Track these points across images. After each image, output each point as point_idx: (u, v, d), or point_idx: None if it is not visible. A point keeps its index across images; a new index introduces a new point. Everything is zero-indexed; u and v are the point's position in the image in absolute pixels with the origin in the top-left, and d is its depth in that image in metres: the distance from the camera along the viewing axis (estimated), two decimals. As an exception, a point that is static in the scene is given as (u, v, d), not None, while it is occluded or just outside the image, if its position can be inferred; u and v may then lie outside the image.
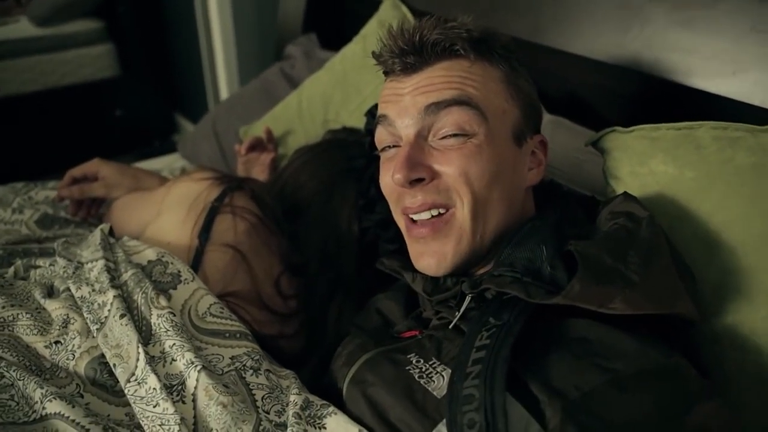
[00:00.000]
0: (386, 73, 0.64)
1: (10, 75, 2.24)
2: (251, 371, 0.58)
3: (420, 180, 0.57)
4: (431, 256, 0.59)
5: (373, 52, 0.63)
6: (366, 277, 0.83)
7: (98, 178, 1.00)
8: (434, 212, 0.58)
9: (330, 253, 0.84)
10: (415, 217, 0.60)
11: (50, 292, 0.69)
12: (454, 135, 0.57)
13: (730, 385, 0.57)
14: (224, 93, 2.15)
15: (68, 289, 0.68)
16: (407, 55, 0.59)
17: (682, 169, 0.63)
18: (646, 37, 0.84)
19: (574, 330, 0.50)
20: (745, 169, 0.59)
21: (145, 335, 0.60)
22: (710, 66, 0.78)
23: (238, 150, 1.11)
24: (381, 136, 0.63)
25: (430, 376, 0.52)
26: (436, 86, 0.58)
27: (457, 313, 0.56)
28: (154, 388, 0.54)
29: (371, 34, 1.13)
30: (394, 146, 0.62)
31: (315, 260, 0.83)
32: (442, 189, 0.57)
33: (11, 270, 0.76)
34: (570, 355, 0.47)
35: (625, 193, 0.60)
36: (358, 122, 1.03)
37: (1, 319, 0.63)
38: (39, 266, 0.76)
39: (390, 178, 0.59)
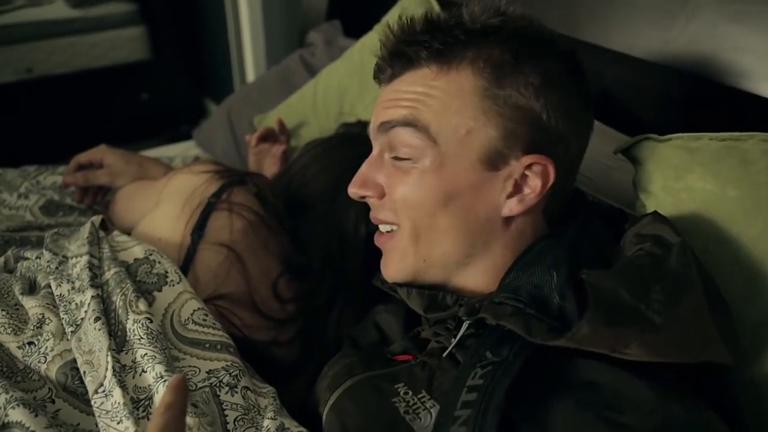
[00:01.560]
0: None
1: (43, 56, 2.26)
2: (227, 388, 0.54)
3: (369, 196, 0.58)
4: (383, 266, 0.60)
5: (375, 55, 0.59)
6: (370, 283, 0.78)
7: (103, 165, 0.98)
8: (387, 228, 0.59)
9: (334, 254, 0.79)
10: (380, 227, 0.61)
11: (32, 287, 0.67)
12: (401, 158, 0.55)
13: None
14: (251, 78, 2.13)
15: (49, 285, 0.65)
16: (384, 66, 0.57)
17: (725, 187, 0.55)
18: (691, 32, 0.76)
19: (583, 373, 0.43)
20: (800, 190, 0.51)
21: (119, 341, 0.57)
22: (765, 67, 0.69)
23: (249, 140, 1.07)
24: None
25: (416, 412, 0.47)
26: (393, 102, 0.55)
27: (453, 340, 0.50)
28: (119, 403, 0.50)
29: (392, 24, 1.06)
30: None
31: (317, 261, 0.79)
32: (387, 208, 0.57)
33: (2, 260, 0.74)
34: (575, 404, 0.40)
35: (656, 213, 0.53)
36: (374, 116, 0.97)
37: (-23, 315, 0.60)
38: (27, 258, 0.73)
39: None
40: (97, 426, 0.54)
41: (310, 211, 0.83)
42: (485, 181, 0.53)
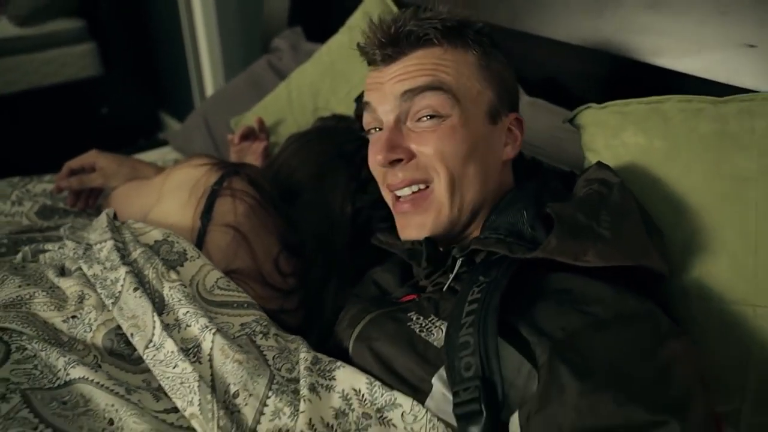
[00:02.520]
0: (369, 63, 0.69)
1: (-7, 75, 2.23)
2: (261, 335, 0.63)
3: (399, 160, 0.63)
4: (413, 227, 0.65)
5: (358, 44, 0.69)
6: (360, 256, 0.88)
7: (95, 168, 1.02)
8: (414, 188, 0.64)
9: (324, 234, 0.88)
10: (398, 193, 0.66)
11: (62, 272, 0.73)
12: (430, 117, 0.62)
13: (698, 330, 0.63)
14: (210, 90, 2.17)
15: (80, 268, 0.71)
16: (386, 47, 0.64)
17: (652, 140, 0.69)
18: (617, 20, 0.90)
19: (557, 283, 0.55)
20: (708, 137, 0.65)
21: (159, 306, 0.64)
22: (677, 46, 0.84)
23: (231, 139, 1.15)
24: (366, 120, 0.69)
25: (429, 330, 0.57)
26: (411, 74, 0.63)
27: (450, 275, 0.61)
28: (172, 351, 0.58)
29: (357, 26, 1.17)
30: (378, 129, 0.67)
31: (310, 241, 0.87)
32: (420, 167, 0.63)
33: (19, 256, 0.79)
34: (554, 303, 0.52)
35: (599, 162, 0.66)
36: (348, 109, 1.07)
37: (19, 297, 0.66)
38: (47, 250, 0.79)
39: (374, 159, 0.65)
40: (143, 382, 0.61)
41: (298, 197, 0.91)
42: (491, 133, 0.65)
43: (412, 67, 0.63)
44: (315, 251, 0.87)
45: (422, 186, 0.64)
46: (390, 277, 0.74)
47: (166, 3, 2.24)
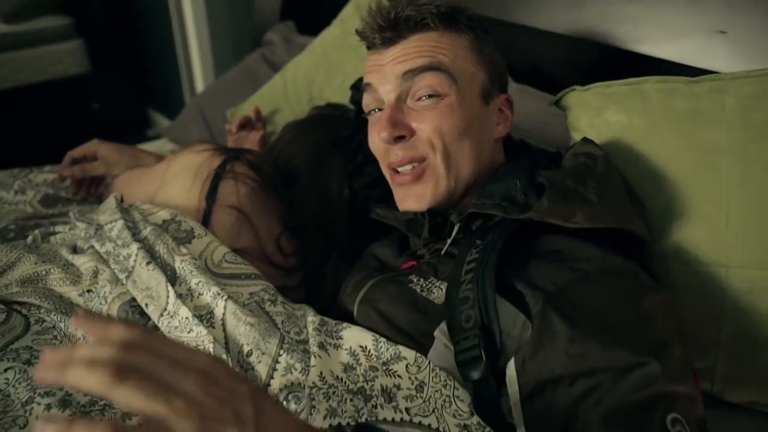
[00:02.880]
0: (368, 48, 0.73)
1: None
2: (269, 302, 0.66)
3: (401, 137, 0.67)
4: (412, 198, 0.68)
5: (357, 30, 0.72)
6: (358, 235, 0.92)
7: (97, 157, 1.05)
8: (410, 166, 0.68)
9: (323, 216, 0.92)
10: (399, 168, 0.69)
11: (75, 251, 0.75)
12: (429, 96, 0.66)
13: (676, 291, 0.68)
14: (200, 86, 2.19)
15: (92, 246, 0.74)
16: (385, 30, 0.68)
17: (632, 117, 0.74)
18: (599, 10, 0.95)
19: (548, 244, 0.59)
20: (682, 113, 0.70)
21: (171, 278, 0.67)
22: (655, 34, 0.89)
23: (229, 129, 1.18)
24: (367, 101, 0.72)
25: (429, 289, 0.61)
26: (411, 56, 0.67)
27: (448, 240, 0.65)
28: (186, 318, 0.61)
29: (349, 18, 1.21)
30: (378, 109, 0.71)
31: (310, 223, 0.91)
32: (418, 145, 0.67)
33: (29, 238, 0.82)
34: (546, 262, 0.57)
35: (584, 138, 0.71)
36: (341, 98, 1.11)
37: (35, 274, 0.69)
38: (58, 232, 0.82)
39: (377, 137, 0.68)
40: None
41: (297, 181, 0.95)
42: (484, 112, 0.69)
43: (412, 50, 0.67)
44: (314, 232, 0.90)
45: (420, 161, 0.68)
46: (389, 250, 0.78)
47: (156, 1, 2.26)
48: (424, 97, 0.66)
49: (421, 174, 0.67)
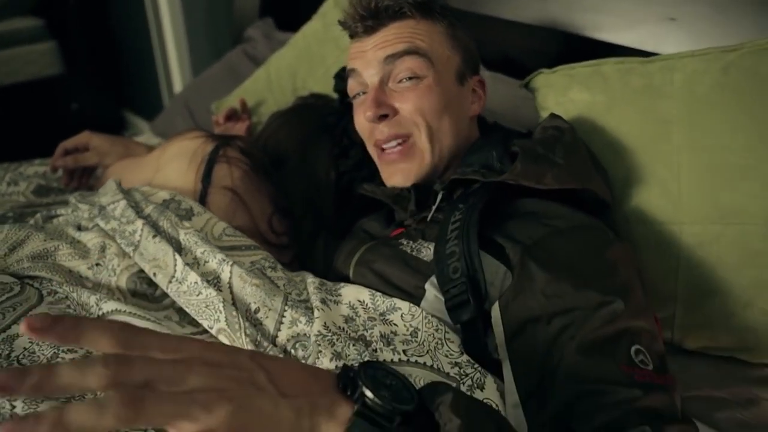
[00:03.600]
0: (351, 37, 0.79)
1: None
2: (270, 269, 0.71)
3: (385, 116, 0.72)
4: (399, 173, 0.74)
5: (339, 21, 0.78)
6: (345, 214, 0.98)
7: (89, 148, 1.08)
8: (399, 141, 0.73)
9: (312, 197, 0.97)
10: (385, 146, 0.75)
11: (80, 229, 0.79)
12: (409, 78, 0.72)
13: (638, 249, 0.76)
14: (177, 86, 2.21)
15: (97, 225, 0.78)
16: (366, 20, 0.74)
17: (594, 95, 0.82)
18: (562, 1, 1.03)
19: (523, 206, 0.66)
20: (638, 89, 0.78)
21: (176, 249, 0.72)
22: (613, 22, 0.98)
23: (216, 120, 1.23)
24: (352, 86, 0.78)
25: (418, 249, 0.68)
26: (391, 42, 0.73)
27: (432, 207, 0.71)
28: (195, 282, 0.66)
29: (329, 12, 1.27)
30: (363, 93, 0.77)
31: (299, 204, 0.96)
32: (402, 123, 0.72)
33: (32, 221, 0.85)
34: (523, 220, 0.64)
35: (552, 114, 0.78)
36: (324, 88, 1.17)
37: (45, 250, 0.73)
38: (60, 215, 0.85)
39: (363, 117, 0.74)
40: (165, 318, 0.69)
41: (286, 166, 1.00)
42: (459, 92, 0.76)
43: (392, 36, 0.73)
44: (304, 212, 0.96)
45: (405, 139, 0.74)
46: (377, 224, 0.84)
47: (131, 4, 2.27)
48: (404, 80, 0.72)
49: (407, 151, 0.73)
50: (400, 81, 0.73)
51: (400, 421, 0.36)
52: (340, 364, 0.56)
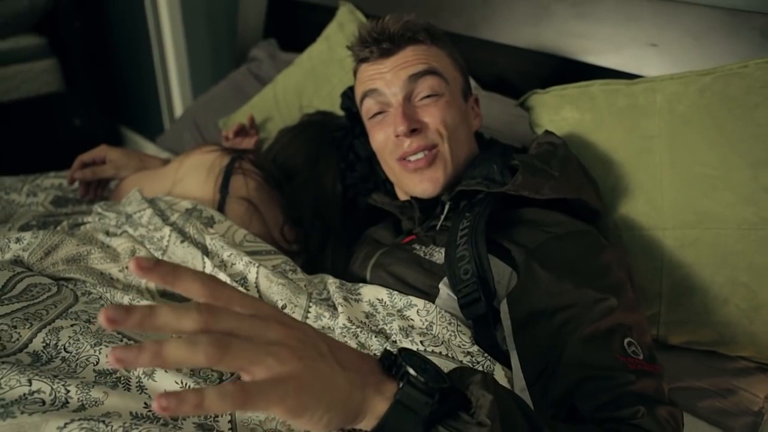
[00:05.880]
0: (361, 61, 0.84)
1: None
2: (291, 272, 0.77)
3: (416, 130, 0.77)
4: (428, 181, 0.78)
5: (348, 46, 0.84)
6: (351, 224, 1.04)
7: (106, 161, 1.13)
8: (420, 155, 0.78)
9: (320, 208, 1.04)
10: (411, 158, 0.78)
11: (108, 236, 0.84)
12: (429, 96, 0.79)
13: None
14: (178, 106, 2.24)
15: (125, 231, 0.83)
16: (382, 43, 0.80)
17: (583, 114, 0.90)
18: (553, 27, 1.12)
19: (524, 215, 0.73)
20: (624, 109, 0.86)
21: (204, 253, 0.77)
22: (600, 47, 1.06)
23: (226, 136, 1.29)
24: (369, 106, 0.83)
25: (431, 254, 0.74)
26: (411, 62, 0.80)
27: (441, 217, 0.78)
28: (225, 281, 0.72)
29: (334, 35, 1.35)
30: (381, 113, 0.82)
31: (309, 214, 1.02)
32: (429, 135, 0.78)
33: (59, 229, 0.90)
34: (525, 227, 0.71)
35: (546, 130, 0.86)
36: (329, 106, 1.23)
37: (78, 253, 0.78)
38: (86, 222, 0.90)
39: (385, 134, 0.79)
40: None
41: (295, 179, 1.06)
42: (465, 108, 0.83)
43: (411, 58, 0.80)
44: (313, 222, 1.02)
45: (431, 149, 0.78)
46: (386, 233, 0.91)
47: (133, 20, 2.32)
48: (426, 98, 0.79)
49: (433, 159, 0.78)
50: (422, 99, 0.79)
51: (438, 397, 0.42)
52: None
